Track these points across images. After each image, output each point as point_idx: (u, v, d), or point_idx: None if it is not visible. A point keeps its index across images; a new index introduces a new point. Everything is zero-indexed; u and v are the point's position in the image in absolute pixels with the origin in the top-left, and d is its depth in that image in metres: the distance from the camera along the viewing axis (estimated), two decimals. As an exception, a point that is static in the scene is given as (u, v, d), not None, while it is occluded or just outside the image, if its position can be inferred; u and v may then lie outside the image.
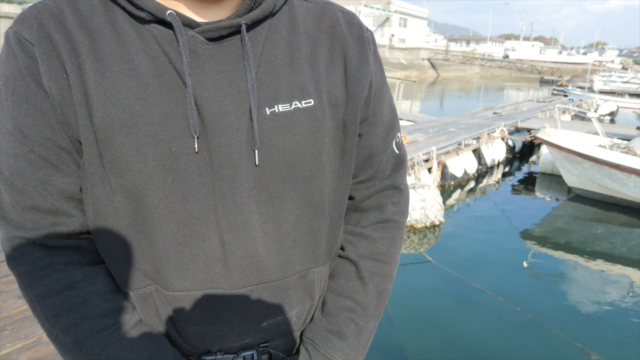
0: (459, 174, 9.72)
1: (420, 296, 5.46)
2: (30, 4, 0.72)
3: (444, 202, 7.92)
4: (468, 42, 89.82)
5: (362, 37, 0.83)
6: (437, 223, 7.32)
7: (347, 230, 0.90)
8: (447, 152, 9.67)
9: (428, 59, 51.09)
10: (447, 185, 9.52)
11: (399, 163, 0.92)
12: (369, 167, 0.88)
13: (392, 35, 51.18)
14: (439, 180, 9.11)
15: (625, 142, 9.36)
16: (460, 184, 9.89)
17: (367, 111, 0.83)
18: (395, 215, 0.90)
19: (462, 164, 9.90)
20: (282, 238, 0.76)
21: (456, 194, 9.43)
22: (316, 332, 0.84)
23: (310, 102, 0.74)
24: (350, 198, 0.90)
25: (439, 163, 9.00)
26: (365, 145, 0.85)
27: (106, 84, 0.66)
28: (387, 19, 50.24)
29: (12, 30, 0.68)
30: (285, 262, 0.77)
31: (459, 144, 10.36)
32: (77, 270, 0.73)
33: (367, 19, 47.70)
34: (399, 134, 0.92)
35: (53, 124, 0.68)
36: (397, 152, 0.91)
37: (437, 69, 51.24)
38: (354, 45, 0.81)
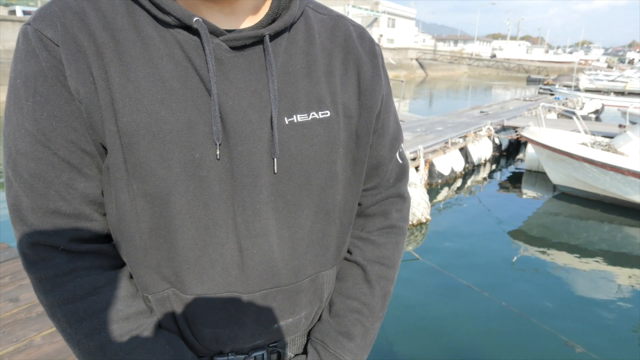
0: (446, 172, 9.80)
1: (408, 293, 5.51)
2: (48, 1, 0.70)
3: (431, 200, 8.00)
4: (456, 42, 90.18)
5: (374, 52, 0.86)
6: (424, 221, 7.40)
7: (354, 235, 0.93)
8: (435, 151, 9.75)
9: (416, 59, 51.21)
10: (435, 184, 9.59)
11: (402, 172, 0.96)
12: (376, 175, 0.91)
13: (381, 36, 51.32)
14: (426, 178, 9.18)
15: (607, 139, 9.49)
16: (448, 182, 9.98)
17: (377, 123, 0.86)
18: (399, 222, 0.94)
19: (449, 162, 9.97)
20: (296, 244, 0.78)
21: (443, 192, 9.51)
22: (325, 333, 0.87)
23: (326, 114, 0.76)
24: (358, 204, 0.92)
25: (426, 161, 9.07)
26: (374, 155, 0.88)
27: (131, 89, 0.66)
28: (375, 19, 50.34)
29: (31, 28, 0.66)
30: (298, 266, 0.79)
31: (446, 143, 10.45)
32: (100, 275, 0.72)
33: (356, 20, 47.70)
34: (402, 144, 0.96)
35: (77, 126, 0.66)
36: (400, 162, 0.95)
37: (425, 68, 51.39)
38: (367, 60, 0.83)
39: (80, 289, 0.70)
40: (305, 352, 0.89)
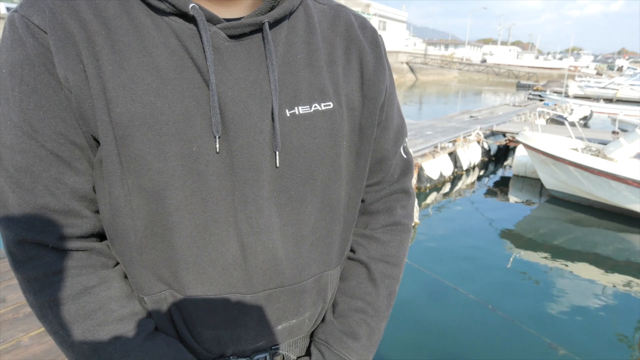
0: (435, 176, 9.84)
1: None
2: None
3: (419, 204, 8.06)
4: (447, 46, 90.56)
5: (376, 42, 0.83)
6: (412, 224, 7.43)
7: (357, 232, 0.90)
8: (424, 155, 9.77)
9: (407, 63, 51.35)
10: (423, 188, 9.63)
11: (407, 167, 0.93)
12: (380, 170, 0.88)
13: (372, 39, 51.24)
14: (415, 182, 9.23)
15: (598, 145, 9.59)
16: (436, 186, 10.02)
17: (381, 115, 0.84)
18: (403, 219, 0.91)
19: (438, 167, 10.01)
20: (300, 241, 0.75)
21: (432, 196, 9.55)
22: (330, 334, 0.84)
23: (329, 105, 0.74)
24: (361, 201, 0.89)
25: (415, 165, 9.12)
26: (377, 149, 0.86)
27: (125, 78, 0.62)
28: (367, 22, 50.35)
29: (18, 15, 0.63)
30: (303, 265, 0.76)
31: (436, 147, 10.47)
32: (91, 275, 0.69)
33: (348, 22, 47.47)
34: (406, 139, 0.93)
35: (66, 117, 0.63)
36: (404, 156, 0.92)
37: (415, 72, 51.56)
38: (369, 49, 0.81)
39: (70, 289, 0.67)
40: (308, 354, 0.85)
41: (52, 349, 2.30)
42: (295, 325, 0.81)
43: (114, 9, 0.64)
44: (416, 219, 7.48)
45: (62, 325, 0.67)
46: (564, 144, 9.38)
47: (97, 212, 0.71)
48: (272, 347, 0.81)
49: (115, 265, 0.75)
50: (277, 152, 0.69)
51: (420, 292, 5.76)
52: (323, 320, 0.87)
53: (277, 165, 0.70)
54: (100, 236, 0.74)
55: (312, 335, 0.88)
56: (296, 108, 0.71)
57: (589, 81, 35.42)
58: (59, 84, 0.62)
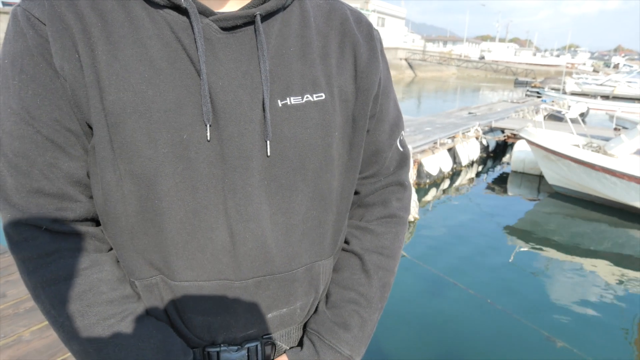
0: (434, 172, 9.86)
1: (395, 290, 5.54)
2: None
3: (419, 200, 8.06)
4: (445, 43, 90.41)
5: (371, 35, 0.84)
6: (412, 220, 7.45)
7: (352, 224, 0.91)
8: (423, 151, 9.80)
9: (405, 59, 51.27)
10: (423, 184, 9.65)
11: (403, 160, 0.94)
12: (375, 162, 0.89)
13: (370, 35, 51.10)
14: (414, 178, 9.24)
15: (599, 141, 9.62)
16: (436, 182, 10.04)
17: (375, 108, 0.84)
18: (399, 211, 0.92)
19: (438, 163, 10.04)
20: (291, 230, 0.76)
21: (431, 192, 9.57)
22: (321, 324, 0.84)
23: (321, 96, 0.75)
24: (356, 193, 0.91)
25: (414, 161, 9.12)
26: (372, 141, 0.87)
27: (118, 67, 0.65)
28: (366, 18, 50.25)
29: (20, 8, 0.66)
30: (293, 254, 0.77)
31: (435, 143, 10.51)
32: (83, 257, 0.71)
33: (346, 19, 47.34)
34: (402, 132, 0.93)
35: (62, 105, 0.66)
36: (401, 149, 0.93)
37: (414, 69, 51.50)
38: (363, 42, 0.82)
39: (63, 270, 0.69)
40: (301, 345, 0.85)
41: (53, 343, 2.29)
42: (287, 315, 0.81)
43: (111, 2, 0.67)
44: (416, 215, 7.49)
45: (53, 305, 0.70)
46: (566, 140, 9.40)
47: (92, 197, 0.73)
48: (264, 337, 0.81)
49: (109, 250, 0.77)
50: (267, 141, 0.71)
51: (420, 287, 5.77)
52: (316, 311, 0.87)
53: (268, 154, 0.71)
54: (96, 221, 0.76)
55: (305, 326, 0.88)
56: (288, 98, 0.72)
57: (586, 78, 35.47)
58: (55, 73, 0.65)
